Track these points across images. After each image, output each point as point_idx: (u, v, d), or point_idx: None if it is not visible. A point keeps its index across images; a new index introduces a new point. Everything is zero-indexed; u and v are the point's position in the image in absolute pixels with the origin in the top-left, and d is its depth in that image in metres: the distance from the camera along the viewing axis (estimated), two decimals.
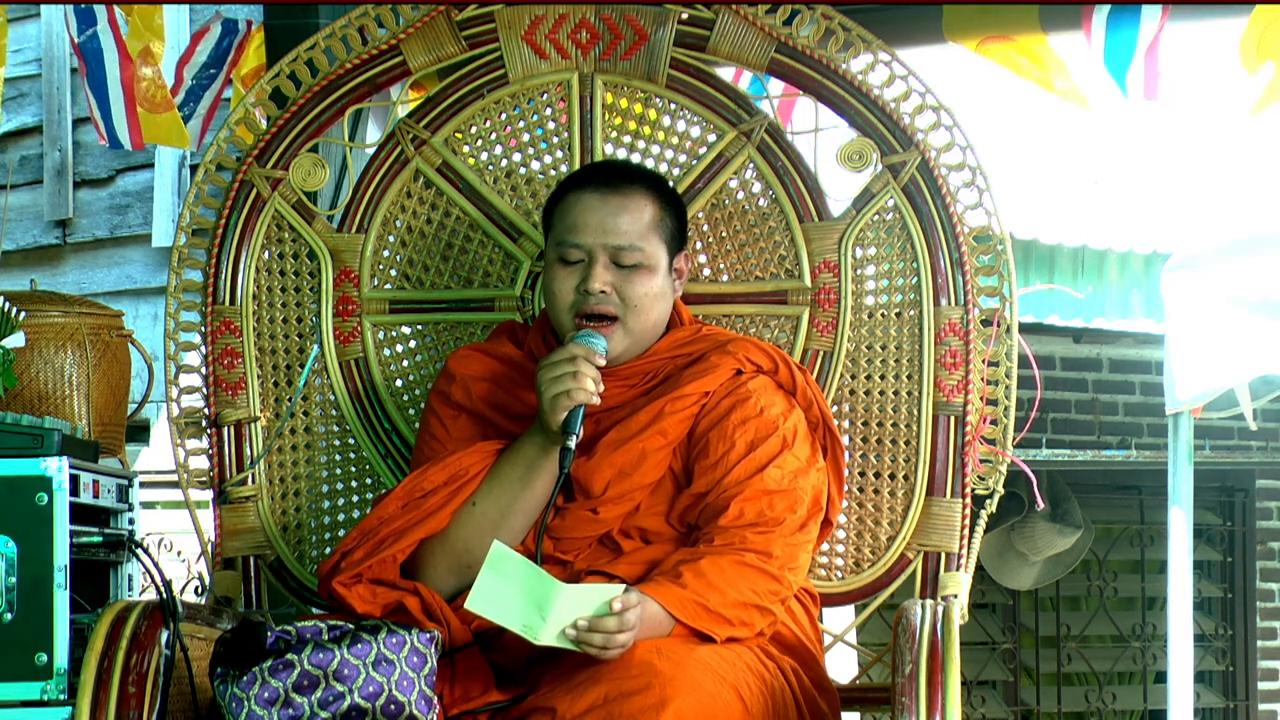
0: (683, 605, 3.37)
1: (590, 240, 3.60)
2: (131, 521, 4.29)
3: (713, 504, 3.51)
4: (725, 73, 3.99)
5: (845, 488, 3.82)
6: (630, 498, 3.55)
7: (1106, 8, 4.63)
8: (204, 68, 5.54)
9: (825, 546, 3.84)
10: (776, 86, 3.92)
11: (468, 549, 3.54)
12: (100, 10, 5.41)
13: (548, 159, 3.94)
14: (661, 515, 3.56)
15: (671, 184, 3.89)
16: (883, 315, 3.86)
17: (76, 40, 5.46)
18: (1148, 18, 4.59)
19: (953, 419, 3.82)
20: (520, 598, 3.27)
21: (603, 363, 3.53)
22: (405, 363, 3.97)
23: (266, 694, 3.19)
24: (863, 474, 3.86)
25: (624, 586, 3.33)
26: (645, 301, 3.60)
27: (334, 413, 3.95)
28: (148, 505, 5.96)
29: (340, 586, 3.50)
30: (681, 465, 3.58)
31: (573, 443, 3.47)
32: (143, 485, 4.44)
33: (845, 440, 3.85)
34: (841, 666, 5.19)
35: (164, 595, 3.38)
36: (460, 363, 3.74)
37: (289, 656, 3.21)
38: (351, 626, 3.28)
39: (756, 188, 3.90)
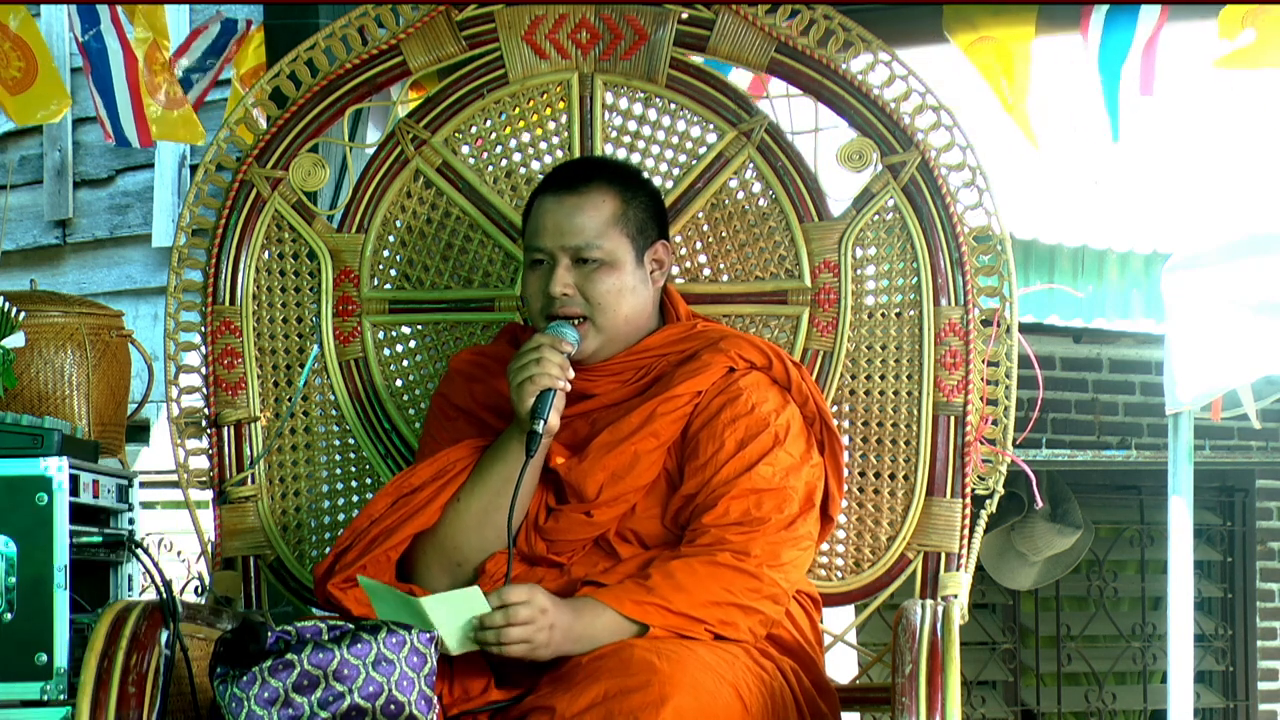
0: (642, 608, 3.36)
1: (549, 243, 3.61)
2: (131, 521, 4.29)
3: (701, 504, 3.50)
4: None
5: (845, 487, 3.82)
6: (624, 500, 3.55)
7: (1105, 8, 4.63)
8: (200, 58, 5.53)
9: (825, 546, 3.84)
10: (779, 87, 3.92)
11: (456, 547, 3.54)
12: (103, 10, 5.41)
13: (548, 159, 3.94)
14: (657, 518, 3.55)
15: (671, 183, 3.89)
16: (883, 315, 3.86)
17: (81, 40, 5.46)
18: (1146, 16, 4.58)
19: (953, 419, 3.81)
20: (406, 618, 3.30)
21: (570, 349, 3.54)
22: (405, 363, 3.97)
23: (266, 694, 3.19)
24: (863, 474, 3.86)
25: (476, 589, 3.34)
26: (609, 298, 3.60)
27: (334, 413, 3.95)
28: (148, 505, 5.96)
29: (336, 590, 3.51)
30: (676, 465, 3.57)
31: (540, 427, 3.47)
32: (143, 485, 4.45)
33: (845, 440, 3.85)
34: (841, 666, 5.19)
35: (164, 595, 3.38)
36: (460, 365, 3.75)
37: (289, 656, 3.20)
38: (351, 626, 3.28)
39: (756, 188, 3.90)
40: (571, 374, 3.53)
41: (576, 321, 3.59)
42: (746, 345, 3.64)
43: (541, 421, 3.48)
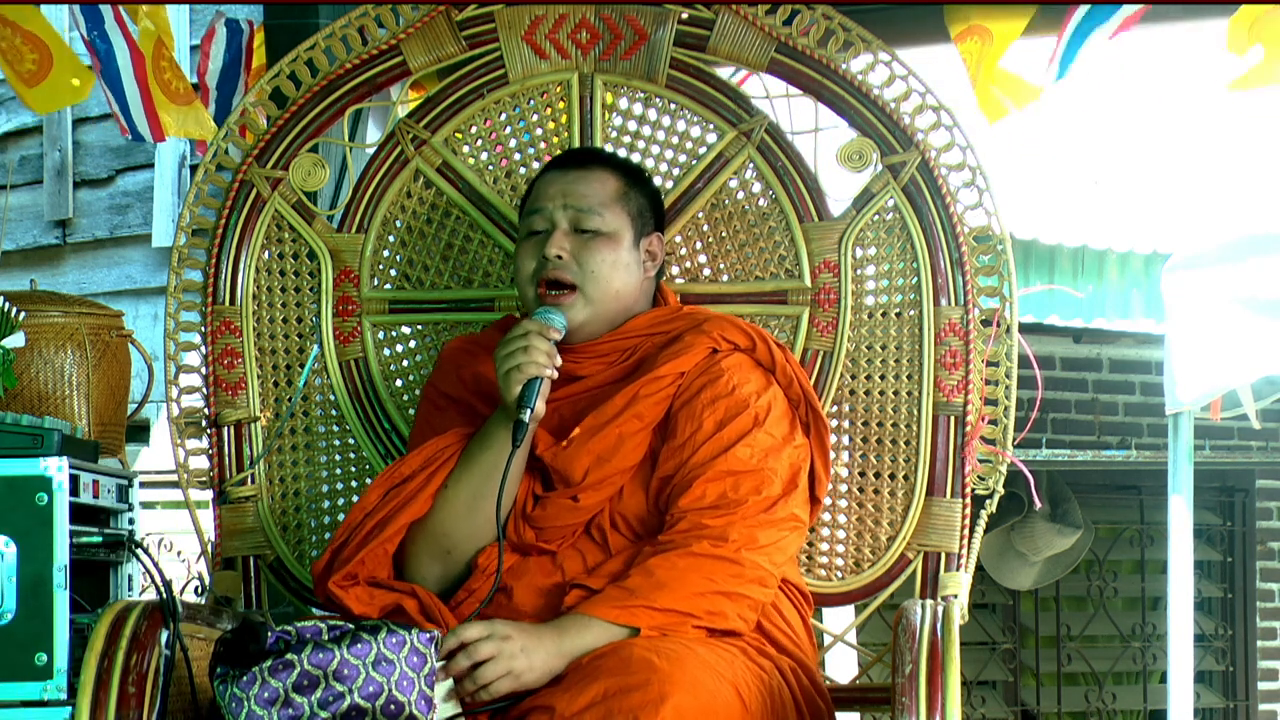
0: (629, 612, 3.35)
1: (551, 206, 3.62)
2: (131, 521, 4.30)
3: (678, 485, 3.49)
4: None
5: (845, 487, 3.82)
6: (611, 483, 3.54)
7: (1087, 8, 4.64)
8: (225, 70, 5.54)
9: (825, 547, 3.84)
10: (778, 86, 3.92)
11: (445, 534, 3.54)
12: (106, 9, 5.41)
13: (548, 159, 3.94)
14: (644, 500, 3.54)
15: (671, 183, 3.90)
16: (883, 315, 3.86)
17: (87, 38, 5.47)
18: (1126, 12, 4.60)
19: (953, 419, 3.82)
20: None
21: (559, 336, 3.54)
22: (405, 363, 3.98)
23: (266, 694, 3.19)
24: (863, 474, 3.86)
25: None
26: (603, 269, 3.61)
27: (334, 413, 3.95)
28: (148, 505, 5.96)
29: (337, 588, 3.50)
30: (662, 446, 3.57)
31: (527, 416, 3.46)
32: (143, 485, 4.45)
33: (845, 440, 3.85)
34: (841, 666, 5.20)
35: (164, 595, 3.38)
36: (450, 353, 3.76)
37: (289, 656, 3.20)
38: (351, 626, 3.28)
39: (756, 188, 3.90)
40: (559, 361, 3.52)
41: (566, 290, 3.59)
42: (730, 327, 3.64)
43: (528, 410, 3.47)
